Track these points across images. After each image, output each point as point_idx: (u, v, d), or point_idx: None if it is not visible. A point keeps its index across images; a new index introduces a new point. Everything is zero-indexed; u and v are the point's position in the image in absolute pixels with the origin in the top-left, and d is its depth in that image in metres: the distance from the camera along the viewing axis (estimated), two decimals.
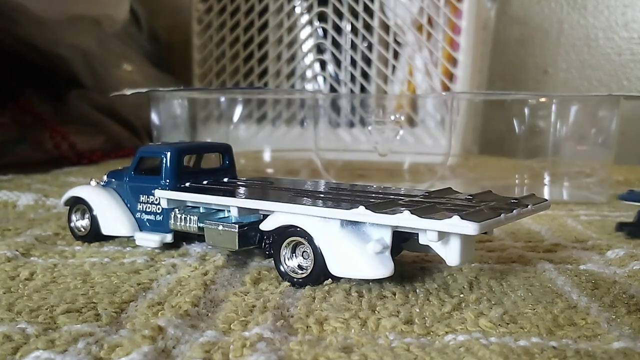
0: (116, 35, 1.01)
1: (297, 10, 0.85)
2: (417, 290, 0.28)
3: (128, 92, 0.57)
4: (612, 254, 0.36)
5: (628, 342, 0.22)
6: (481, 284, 0.30)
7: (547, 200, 0.31)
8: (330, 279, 0.29)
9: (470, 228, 0.24)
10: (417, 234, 0.27)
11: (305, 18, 0.85)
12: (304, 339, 0.22)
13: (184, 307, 0.25)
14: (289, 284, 0.29)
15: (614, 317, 0.25)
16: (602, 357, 0.21)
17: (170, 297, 0.27)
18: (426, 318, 0.25)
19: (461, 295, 0.28)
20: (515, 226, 0.44)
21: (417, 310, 0.26)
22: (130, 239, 0.37)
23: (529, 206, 0.29)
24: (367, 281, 0.29)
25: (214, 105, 0.79)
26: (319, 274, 0.29)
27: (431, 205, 0.28)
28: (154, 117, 0.68)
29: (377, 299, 0.27)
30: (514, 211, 0.28)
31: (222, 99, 0.77)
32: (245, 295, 0.27)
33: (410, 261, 0.33)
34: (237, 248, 0.31)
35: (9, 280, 0.30)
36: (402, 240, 0.30)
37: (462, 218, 0.25)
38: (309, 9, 0.85)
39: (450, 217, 0.25)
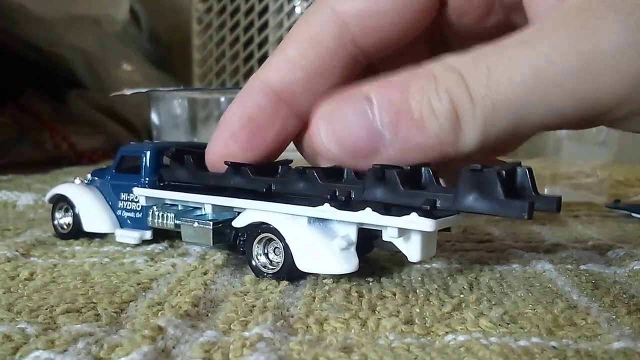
0: (116, 35, 1.01)
1: (297, 10, 0.85)
2: (417, 291, 0.28)
3: (128, 92, 0.57)
4: (612, 254, 0.36)
5: (628, 342, 0.22)
6: (481, 284, 0.30)
7: None
8: (331, 280, 0.29)
9: (427, 225, 0.25)
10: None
11: None
12: (304, 339, 0.22)
13: (184, 307, 0.25)
14: (288, 283, 0.29)
15: (614, 317, 0.25)
16: (603, 357, 0.21)
17: (170, 297, 0.27)
18: (426, 318, 0.25)
19: (461, 296, 0.28)
20: (516, 226, 0.44)
21: (417, 310, 0.26)
22: None
23: None
24: (367, 281, 0.29)
25: (214, 105, 0.79)
26: (288, 269, 0.29)
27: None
28: (154, 117, 0.68)
29: (377, 299, 0.27)
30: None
31: (222, 99, 0.77)
32: (245, 295, 0.27)
33: (410, 262, 0.33)
34: (211, 244, 0.32)
35: (8, 280, 0.30)
36: (372, 238, 0.30)
37: (419, 215, 0.25)
38: None
39: (409, 214, 0.25)
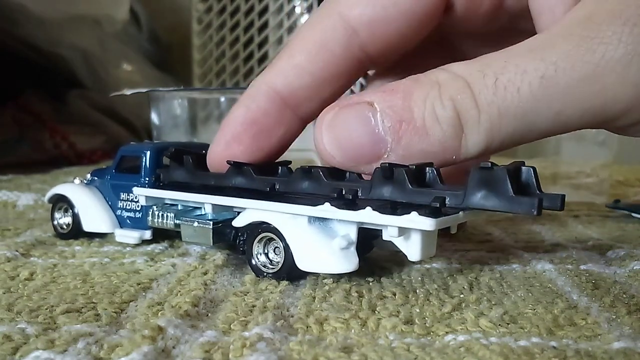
0: (116, 35, 1.01)
1: (297, 10, 0.85)
2: (417, 291, 0.28)
3: (128, 92, 0.57)
4: (612, 254, 0.36)
5: (628, 342, 0.22)
6: (481, 284, 0.30)
7: None
8: (331, 279, 0.29)
9: (427, 224, 0.25)
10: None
11: (305, 18, 0.85)
12: (304, 339, 0.22)
13: (184, 307, 0.25)
14: (288, 283, 0.29)
15: (614, 317, 0.25)
16: (602, 357, 0.21)
17: (170, 297, 0.27)
18: (426, 318, 0.25)
19: (461, 296, 0.28)
20: (516, 226, 0.44)
21: (417, 310, 0.26)
22: None
23: None
24: (367, 281, 0.29)
25: (214, 105, 0.79)
26: (288, 269, 0.29)
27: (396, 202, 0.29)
28: (154, 117, 0.68)
29: (377, 299, 0.27)
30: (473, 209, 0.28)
31: (222, 99, 0.77)
32: (245, 295, 0.27)
33: (410, 262, 0.33)
34: (211, 244, 0.32)
35: (8, 280, 0.30)
36: (372, 238, 0.30)
37: (419, 214, 0.25)
38: (309, 9, 0.85)
39: (409, 213, 0.25)
